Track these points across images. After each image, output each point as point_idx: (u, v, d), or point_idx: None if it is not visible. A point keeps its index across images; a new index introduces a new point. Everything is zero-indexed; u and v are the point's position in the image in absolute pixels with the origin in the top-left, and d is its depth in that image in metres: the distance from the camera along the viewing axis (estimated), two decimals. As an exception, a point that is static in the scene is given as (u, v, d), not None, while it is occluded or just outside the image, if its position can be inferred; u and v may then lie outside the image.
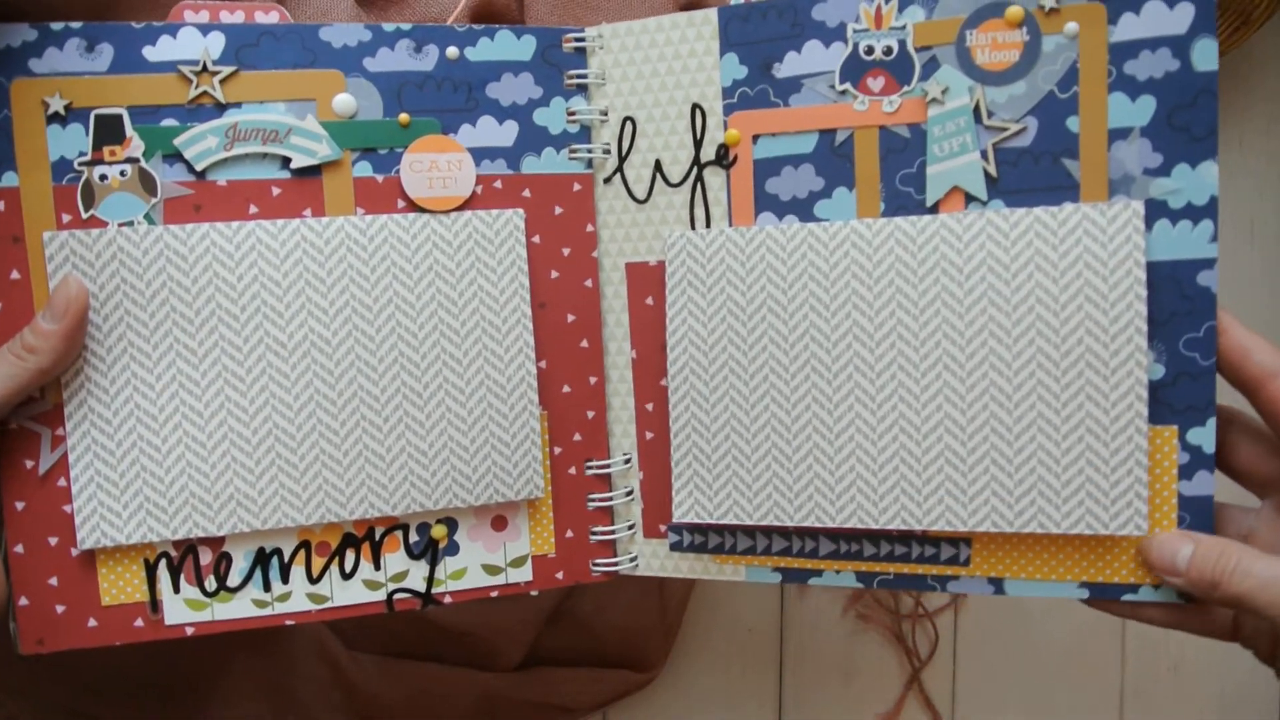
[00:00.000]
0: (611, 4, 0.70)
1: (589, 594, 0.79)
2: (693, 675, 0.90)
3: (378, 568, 0.55)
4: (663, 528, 0.58)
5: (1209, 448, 0.51)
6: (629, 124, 0.57)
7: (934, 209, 0.52)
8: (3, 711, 0.67)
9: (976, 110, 0.51)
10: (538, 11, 0.68)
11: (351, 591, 0.54)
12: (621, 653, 0.81)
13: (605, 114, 0.57)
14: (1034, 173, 0.51)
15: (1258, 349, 0.50)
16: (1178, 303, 0.50)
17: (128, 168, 0.51)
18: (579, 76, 0.56)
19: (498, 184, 0.55)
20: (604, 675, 0.81)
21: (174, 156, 0.51)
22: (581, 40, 0.56)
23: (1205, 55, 0.49)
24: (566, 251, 0.57)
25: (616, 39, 0.56)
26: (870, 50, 0.52)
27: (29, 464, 0.51)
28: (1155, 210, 0.50)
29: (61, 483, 0.51)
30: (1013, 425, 0.51)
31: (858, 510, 0.53)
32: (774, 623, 0.91)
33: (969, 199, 0.52)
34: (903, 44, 0.52)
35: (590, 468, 0.58)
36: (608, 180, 0.58)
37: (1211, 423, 0.50)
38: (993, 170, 0.51)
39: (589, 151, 0.57)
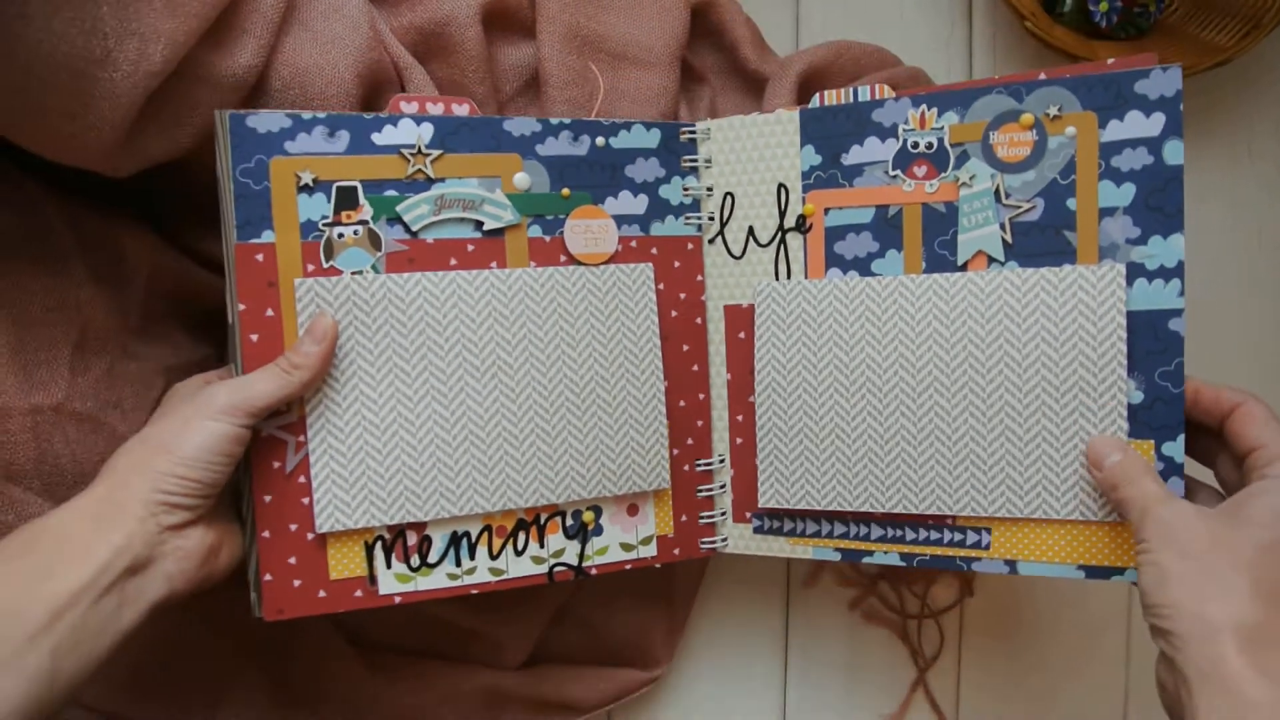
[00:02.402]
0: (621, 2, 0.75)
1: (594, 593, 0.81)
2: (698, 674, 0.88)
3: (542, 546, 0.66)
4: (748, 514, 0.71)
5: (1179, 458, 0.58)
6: (729, 198, 0.70)
7: (963, 268, 0.62)
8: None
9: (997, 192, 0.61)
10: (549, 9, 0.72)
11: (522, 565, 0.66)
12: (627, 651, 0.83)
13: (711, 190, 0.70)
14: (1041, 241, 0.60)
15: (1223, 391, 0.57)
16: (1153, 343, 0.58)
17: (359, 228, 0.62)
18: (692, 160, 0.70)
19: (634, 244, 0.68)
20: (609, 674, 0.82)
21: (394, 220, 0.62)
22: (693, 133, 0.70)
23: (1173, 152, 0.57)
24: (682, 296, 0.70)
25: (720, 132, 0.69)
26: (916, 145, 0.63)
27: (276, 464, 0.60)
28: (1135, 271, 0.58)
29: (301, 480, 0.61)
30: (1023, 435, 0.61)
31: (902, 499, 0.64)
32: (779, 622, 0.88)
33: (990, 260, 0.62)
34: (941, 140, 0.62)
35: (699, 465, 0.71)
36: (712, 241, 0.70)
37: (1181, 438, 0.58)
38: (1009, 238, 0.61)
39: (699, 218, 0.70)
